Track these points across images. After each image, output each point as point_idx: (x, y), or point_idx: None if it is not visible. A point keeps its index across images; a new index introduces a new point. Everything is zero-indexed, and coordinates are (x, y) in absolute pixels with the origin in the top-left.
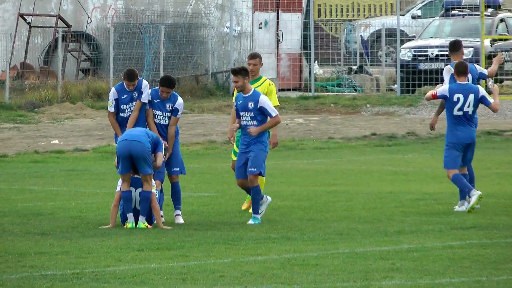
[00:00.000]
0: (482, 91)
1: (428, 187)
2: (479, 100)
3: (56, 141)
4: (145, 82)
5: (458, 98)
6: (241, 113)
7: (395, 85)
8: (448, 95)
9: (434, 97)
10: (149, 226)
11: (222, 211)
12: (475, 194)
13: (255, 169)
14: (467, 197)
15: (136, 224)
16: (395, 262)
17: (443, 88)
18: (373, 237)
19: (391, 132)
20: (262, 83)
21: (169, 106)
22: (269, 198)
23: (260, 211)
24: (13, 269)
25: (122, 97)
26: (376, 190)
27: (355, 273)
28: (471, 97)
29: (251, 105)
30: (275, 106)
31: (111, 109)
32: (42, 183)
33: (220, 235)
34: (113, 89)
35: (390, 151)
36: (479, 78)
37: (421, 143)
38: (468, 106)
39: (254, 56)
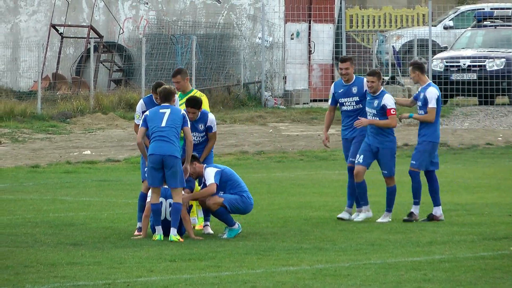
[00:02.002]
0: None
1: (460, 198)
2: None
3: (88, 152)
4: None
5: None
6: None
7: None
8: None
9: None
10: (180, 239)
11: (254, 221)
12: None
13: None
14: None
15: (166, 236)
16: (427, 273)
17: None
18: (405, 247)
19: None
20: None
21: (201, 127)
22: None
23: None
24: (45, 280)
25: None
26: (408, 201)
27: (387, 284)
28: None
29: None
30: None
31: (138, 121)
32: (74, 193)
33: (251, 246)
34: (141, 101)
35: None
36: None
37: (453, 153)
38: None
39: (175, 74)
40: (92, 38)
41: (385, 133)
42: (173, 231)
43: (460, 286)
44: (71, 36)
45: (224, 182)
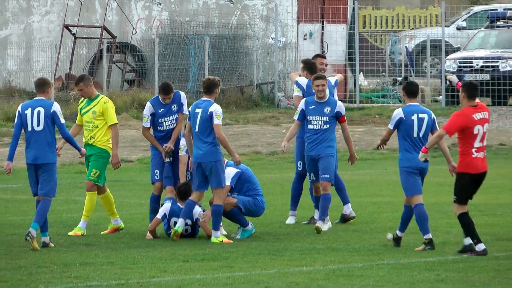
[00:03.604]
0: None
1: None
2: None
3: None
4: (182, 94)
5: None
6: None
7: (440, 96)
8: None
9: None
10: (225, 240)
11: (267, 222)
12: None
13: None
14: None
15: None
16: (440, 273)
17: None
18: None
19: None
20: (98, 102)
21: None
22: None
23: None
24: (58, 280)
25: (159, 110)
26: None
27: (400, 284)
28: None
29: None
30: (113, 124)
31: (147, 124)
32: None
33: (265, 246)
34: (148, 104)
35: (434, 162)
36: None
37: None
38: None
39: (77, 82)
40: (105, 38)
41: (331, 141)
42: (215, 234)
43: (473, 287)
44: (84, 36)
45: (242, 183)
